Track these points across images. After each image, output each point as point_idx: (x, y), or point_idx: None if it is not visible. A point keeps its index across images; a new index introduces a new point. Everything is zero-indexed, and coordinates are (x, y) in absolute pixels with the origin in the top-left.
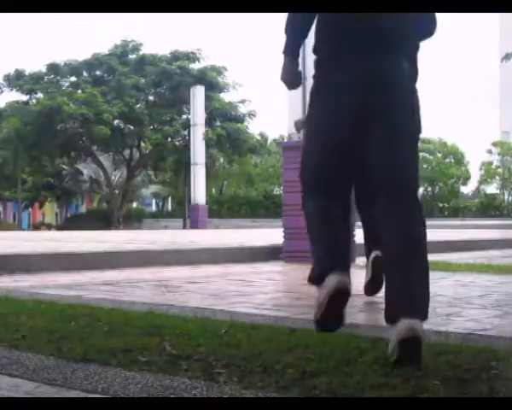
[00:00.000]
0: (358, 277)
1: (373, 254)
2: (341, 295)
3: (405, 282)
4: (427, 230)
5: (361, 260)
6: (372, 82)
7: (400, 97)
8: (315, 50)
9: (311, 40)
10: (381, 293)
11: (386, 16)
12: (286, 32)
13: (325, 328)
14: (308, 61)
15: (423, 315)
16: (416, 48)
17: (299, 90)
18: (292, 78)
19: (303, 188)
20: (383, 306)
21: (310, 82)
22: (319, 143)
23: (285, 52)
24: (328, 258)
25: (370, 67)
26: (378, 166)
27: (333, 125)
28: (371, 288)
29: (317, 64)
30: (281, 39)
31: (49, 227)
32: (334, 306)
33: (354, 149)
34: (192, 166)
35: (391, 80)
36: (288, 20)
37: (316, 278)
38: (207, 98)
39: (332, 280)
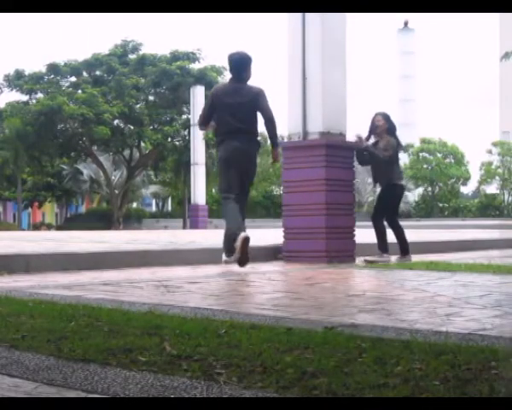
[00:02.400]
0: (358, 277)
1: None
2: (247, 238)
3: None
4: (427, 230)
5: (360, 260)
6: (242, 154)
7: (254, 164)
8: (215, 134)
9: (312, 38)
10: (375, 292)
11: (246, 122)
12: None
13: (241, 262)
14: (308, 60)
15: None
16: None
17: (299, 90)
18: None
19: (222, 196)
20: (383, 306)
21: (309, 81)
22: (226, 177)
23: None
24: (237, 227)
25: (240, 146)
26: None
27: (229, 171)
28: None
29: (218, 141)
30: (280, 39)
31: (49, 227)
32: (244, 245)
33: (239, 179)
34: (192, 166)
35: (250, 154)
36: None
37: (232, 237)
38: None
39: (242, 234)
